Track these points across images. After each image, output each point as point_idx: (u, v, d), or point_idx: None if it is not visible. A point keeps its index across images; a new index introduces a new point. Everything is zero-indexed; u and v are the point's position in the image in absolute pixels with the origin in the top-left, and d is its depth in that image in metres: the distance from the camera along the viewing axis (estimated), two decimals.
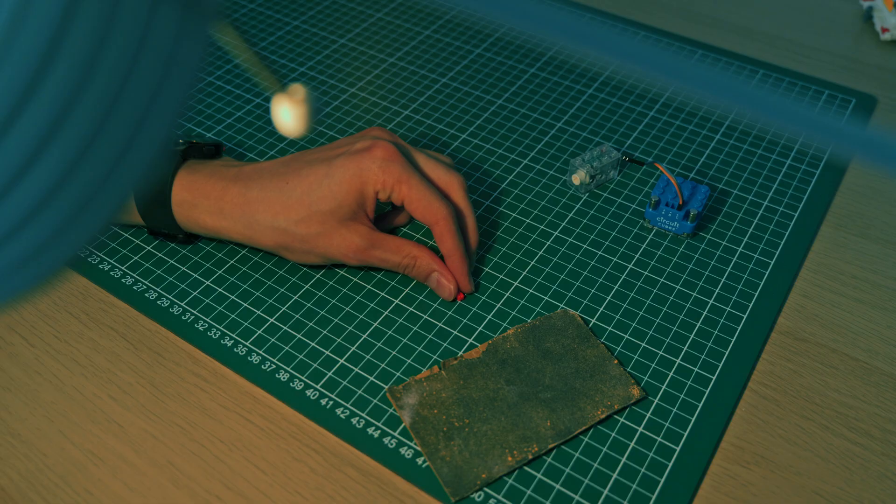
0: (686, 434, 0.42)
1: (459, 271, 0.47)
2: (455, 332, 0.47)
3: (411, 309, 0.48)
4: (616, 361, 0.44)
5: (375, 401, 0.43)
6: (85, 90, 0.14)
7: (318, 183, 0.45)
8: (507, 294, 0.49)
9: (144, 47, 0.15)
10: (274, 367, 0.45)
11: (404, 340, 0.46)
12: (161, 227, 0.48)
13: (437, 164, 0.48)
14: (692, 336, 0.47)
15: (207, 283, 0.49)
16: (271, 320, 0.47)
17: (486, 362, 0.44)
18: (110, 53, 0.14)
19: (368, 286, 0.49)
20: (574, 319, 0.46)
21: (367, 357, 0.46)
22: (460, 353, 0.46)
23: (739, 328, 0.48)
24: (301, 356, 0.45)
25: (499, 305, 0.48)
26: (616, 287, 0.50)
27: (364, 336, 0.47)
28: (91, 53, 0.14)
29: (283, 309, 0.48)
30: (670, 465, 0.41)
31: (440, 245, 0.47)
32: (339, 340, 0.46)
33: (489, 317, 0.48)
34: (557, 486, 0.40)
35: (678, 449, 0.42)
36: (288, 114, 0.32)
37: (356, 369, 0.45)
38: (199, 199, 0.46)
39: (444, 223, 0.46)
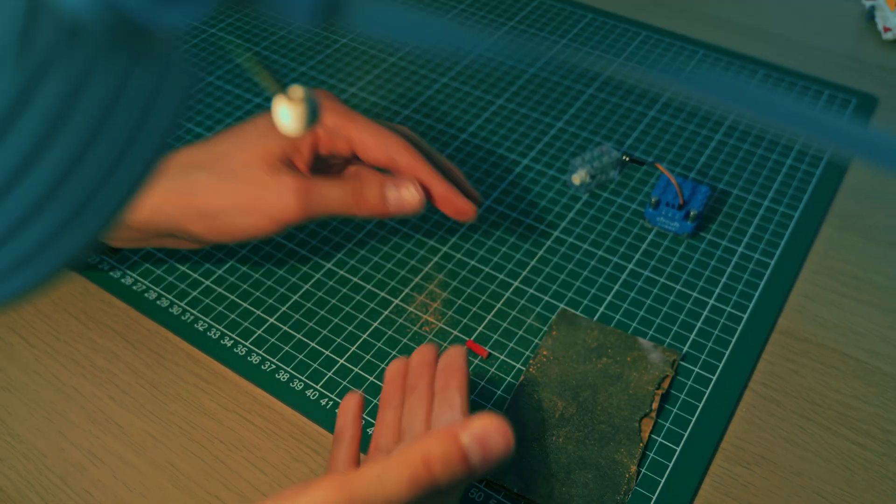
0: (686, 434, 0.42)
1: (441, 186, 0.40)
2: (455, 332, 0.47)
3: (411, 309, 0.48)
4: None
5: (375, 401, 0.43)
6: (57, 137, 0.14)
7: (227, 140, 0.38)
8: (508, 294, 0.49)
9: (117, 104, 0.15)
10: (274, 367, 0.45)
11: (404, 340, 0.46)
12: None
13: (375, 125, 0.40)
14: (692, 336, 0.47)
15: (207, 283, 0.49)
16: (271, 320, 0.47)
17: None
18: (83, 108, 0.15)
19: (368, 286, 0.49)
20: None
21: (368, 357, 0.46)
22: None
23: (740, 328, 0.48)
24: (301, 356, 0.46)
25: (499, 305, 0.48)
26: (616, 287, 0.50)
27: (364, 336, 0.47)
28: (63, 108, 0.14)
29: (283, 309, 0.48)
30: (671, 465, 0.41)
31: (411, 173, 0.40)
32: (339, 340, 0.46)
33: (489, 317, 0.48)
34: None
35: (678, 449, 0.42)
36: (288, 114, 0.32)
37: (356, 369, 0.45)
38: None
39: (407, 152, 0.39)
